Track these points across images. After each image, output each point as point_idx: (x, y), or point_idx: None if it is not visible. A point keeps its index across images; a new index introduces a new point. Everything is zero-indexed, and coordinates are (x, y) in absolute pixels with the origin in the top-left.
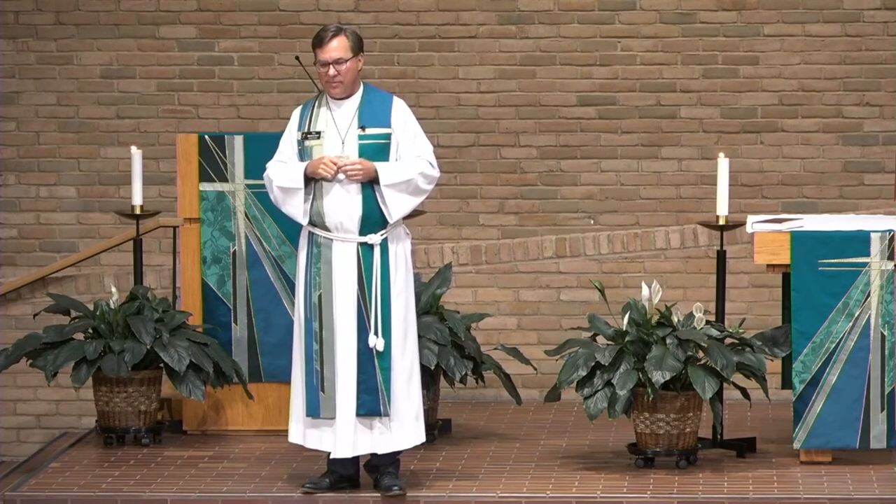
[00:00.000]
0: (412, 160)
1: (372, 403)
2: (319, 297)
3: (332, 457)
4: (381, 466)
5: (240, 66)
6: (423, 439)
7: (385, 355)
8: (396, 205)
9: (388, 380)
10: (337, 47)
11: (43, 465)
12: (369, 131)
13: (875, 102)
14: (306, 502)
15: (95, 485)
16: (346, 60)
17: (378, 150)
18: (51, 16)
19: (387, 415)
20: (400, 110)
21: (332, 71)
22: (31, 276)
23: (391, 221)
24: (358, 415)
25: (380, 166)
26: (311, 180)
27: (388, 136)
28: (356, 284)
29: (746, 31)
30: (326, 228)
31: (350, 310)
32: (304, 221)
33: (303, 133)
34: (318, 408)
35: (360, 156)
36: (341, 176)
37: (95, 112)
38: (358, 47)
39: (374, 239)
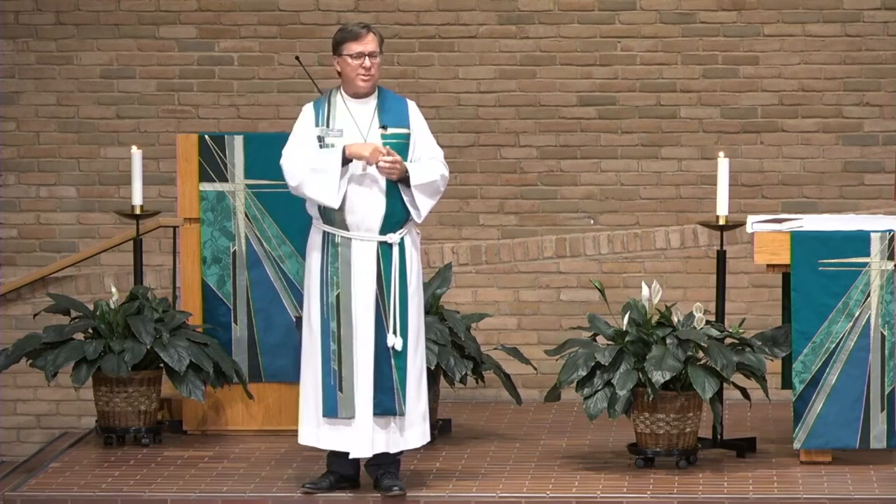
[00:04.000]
0: (431, 162)
1: (388, 403)
2: (338, 296)
3: (350, 457)
4: (382, 466)
5: (240, 66)
6: (429, 439)
7: (402, 355)
8: (424, 204)
9: (404, 379)
10: (374, 41)
11: (43, 465)
12: (391, 131)
13: (875, 102)
14: (306, 502)
15: (95, 485)
16: (378, 55)
17: (399, 149)
18: (51, 16)
19: (402, 414)
20: (416, 112)
21: (367, 62)
22: (31, 276)
23: (419, 221)
24: (375, 414)
25: (410, 166)
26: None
27: (407, 137)
28: (375, 283)
29: (746, 31)
30: (345, 227)
31: (368, 309)
32: (336, 203)
33: (322, 129)
34: (335, 408)
35: None
36: (366, 172)
37: (95, 112)
38: (381, 47)
39: (394, 238)
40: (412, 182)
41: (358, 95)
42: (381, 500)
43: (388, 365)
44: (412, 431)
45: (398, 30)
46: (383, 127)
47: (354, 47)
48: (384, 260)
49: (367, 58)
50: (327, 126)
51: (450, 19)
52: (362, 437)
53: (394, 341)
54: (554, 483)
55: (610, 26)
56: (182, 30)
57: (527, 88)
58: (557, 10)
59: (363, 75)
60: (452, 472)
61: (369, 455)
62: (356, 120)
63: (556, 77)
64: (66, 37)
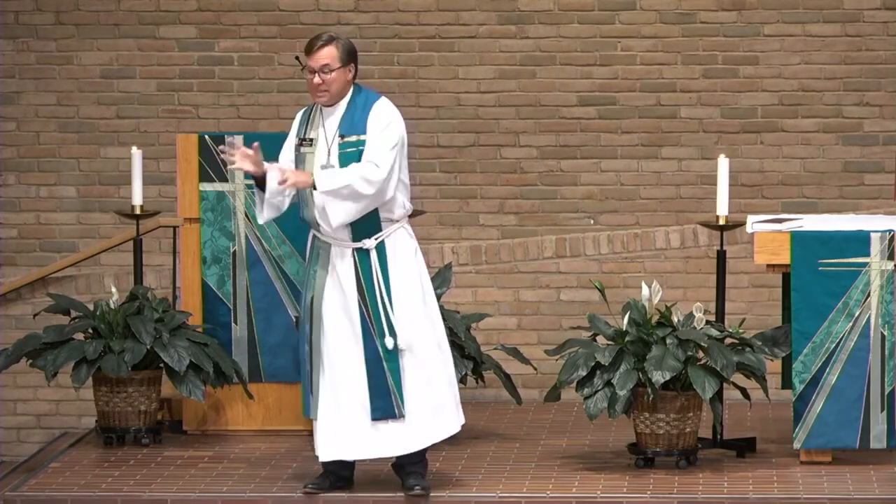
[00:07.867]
0: (355, 165)
1: (386, 407)
2: (312, 299)
3: (320, 460)
4: (406, 466)
5: (240, 66)
6: (443, 436)
7: (393, 357)
8: (335, 212)
9: (399, 381)
10: (325, 55)
11: (43, 465)
12: (348, 139)
13: (875, 102)
14: (306, 502)
15: (95, 485)
16: (333, 70)
17: (358, 156)
18: (51, 16)
19: (402, 416)
20: (377, 114)
21: (317, 79)
22: (31, 276)
23: (330, 230)
24: (373, 419)
25: (317, 174)
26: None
27: (364, 143)
28: (356, 290)
29: (746, 31)
30: (319, 231)
31: (342, 315)
32: (260, 220)
33: (299, 139)
34: (309, 408)
35: (342, 164)
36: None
37: (95, 112)
38: (348, 58)
39: (369, 244)
40: (318, 188)
41: (326, 104)
42: (380, 501)
43: (381, 369)
44: (415, 431)
45: (398, 30)
46: (341, 136)
47: (307, 62)
48: (362, 266)
49: (317, 74)
50: (304, 135)
51: (450, 19)
52: (324, 440)
53: (388, 342)
54: (554, 483)
55: (610, 26)
56: (182, 30)
57: (527, 88)
58: (557, 10)
59: (317, 91)
60: (452, 472)
61: (329, 459)
62: (325, 130)
63: (556, 77)
64: (66, 37)
